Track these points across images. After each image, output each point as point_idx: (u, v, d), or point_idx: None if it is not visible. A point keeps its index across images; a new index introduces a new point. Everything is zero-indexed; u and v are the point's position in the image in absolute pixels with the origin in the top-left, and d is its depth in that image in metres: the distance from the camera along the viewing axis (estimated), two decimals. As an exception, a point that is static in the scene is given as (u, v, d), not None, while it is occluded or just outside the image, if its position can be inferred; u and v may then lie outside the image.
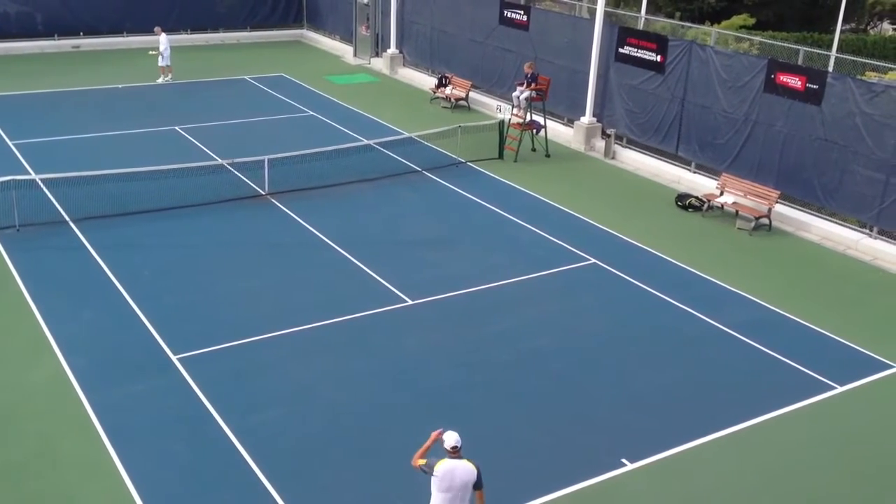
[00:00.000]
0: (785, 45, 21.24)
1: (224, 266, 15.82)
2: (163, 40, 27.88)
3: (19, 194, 16.83)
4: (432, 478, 8.54)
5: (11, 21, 31.51)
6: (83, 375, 12.29)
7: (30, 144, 21.52)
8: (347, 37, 33.90)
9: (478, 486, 8.56)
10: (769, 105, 19.25)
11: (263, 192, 18.99)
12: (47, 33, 32.18)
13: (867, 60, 20.05)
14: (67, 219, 17.22)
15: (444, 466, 8.47)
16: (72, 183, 17.93)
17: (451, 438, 8.54)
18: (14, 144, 21.47)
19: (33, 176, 18.30)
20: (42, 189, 18.11)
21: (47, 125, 23.14)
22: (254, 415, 11.62)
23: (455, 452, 8.50)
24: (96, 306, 14.17)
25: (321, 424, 11.55)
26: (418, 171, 21.02)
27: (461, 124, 22.20)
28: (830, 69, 18.90)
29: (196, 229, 17.23)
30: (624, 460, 11.06)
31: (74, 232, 16.78)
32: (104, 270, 15.32)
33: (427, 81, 28.96)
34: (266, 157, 19.08)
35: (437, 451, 8.68)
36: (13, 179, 16.94)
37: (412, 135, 22.19)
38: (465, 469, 8.48)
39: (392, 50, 31.07)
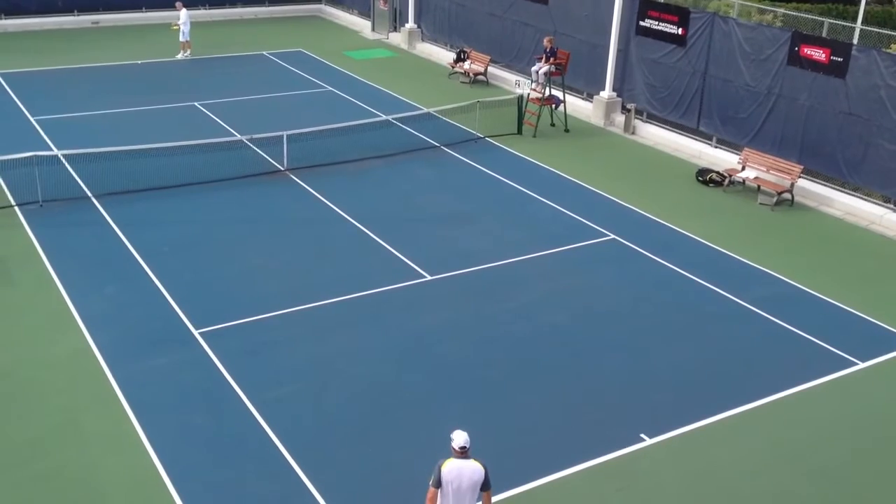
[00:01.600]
0: (809, 16, 20.95)
1: (244, 241, 15.90)
2: (183, 15, 27.89)
3: (42, 170, 16.99)
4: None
5: (32, -3, 31.57)
6: (107, 349, 12.44)
7: (51, 120, 21.64)
8: (365, 11, 33.72)
9: (485, 486, 8.32)
10: (792, 78, 19.01)
11: (282, 168, 19.03)
12: (67, 9, 32.19)
13: (893, 33, 19.74)
14: (89, 194, 17.34)
15: (450, 465, 8.23)
16: (93, 159, 18.06)
17: (459, 438, 8.24)
18: (36, 120, 21.60)
19: (55, 152, 18.43)
20: (64, 165, 18.25)
21: (68, 101, 23.25)
22: (274, 389, 11.72)
23: (463, 453, 8.23)
24: (119, 281, 14.30)
25: (340, 398, 11.64)
26: (437, 146, 20.97)
27: (480, 99, 22.09)
28: (855, 42, 18.61)
29: (215, 205, 17.31)
30: (643, 435, 11.07)
31: (96, 207, 16.90)
32: (126, 246, 15.44)
33: (445, 56, 28.81)
34: (285, 133, 19.11)
35: (446, 451, 8.42)
36: (36, 155, 17.07)
37: (430, 110, 22.11)
38: (472, 469, 8.24)
39: (410, 24, 30.88)
